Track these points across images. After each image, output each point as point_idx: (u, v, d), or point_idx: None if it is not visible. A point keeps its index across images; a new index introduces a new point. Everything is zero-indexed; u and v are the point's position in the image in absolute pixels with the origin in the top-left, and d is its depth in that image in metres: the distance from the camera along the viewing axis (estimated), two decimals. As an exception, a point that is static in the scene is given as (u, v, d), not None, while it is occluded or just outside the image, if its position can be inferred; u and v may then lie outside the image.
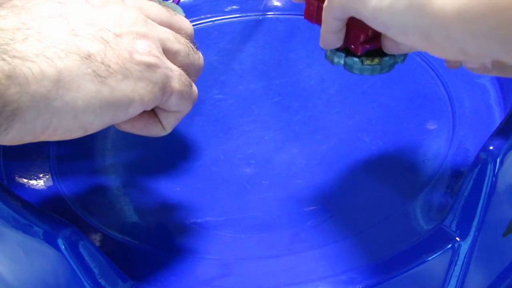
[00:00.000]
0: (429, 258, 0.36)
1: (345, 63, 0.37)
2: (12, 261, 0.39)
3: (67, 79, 0.29)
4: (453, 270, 0.37)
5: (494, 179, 0.36)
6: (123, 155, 0.46)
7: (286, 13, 0.56)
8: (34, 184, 0.44)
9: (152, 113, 0.36)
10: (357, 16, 0.33)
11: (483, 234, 0.37)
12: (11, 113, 0.27)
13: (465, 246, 0.37)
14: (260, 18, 0.56)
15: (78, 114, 0.30)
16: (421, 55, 0.51)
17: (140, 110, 0.33)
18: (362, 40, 0.35)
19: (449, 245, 0.37)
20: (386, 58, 0.37)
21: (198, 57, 0.37)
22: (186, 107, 0.36)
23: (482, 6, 0.26)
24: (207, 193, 0.43)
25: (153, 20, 0.35)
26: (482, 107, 0.47)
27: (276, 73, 0.51)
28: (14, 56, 0.27)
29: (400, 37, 0.31)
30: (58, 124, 0.29)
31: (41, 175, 0.45)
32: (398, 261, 0.37)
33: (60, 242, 0.34)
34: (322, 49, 0.38)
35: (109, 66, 0.30)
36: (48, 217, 0.35)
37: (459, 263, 0.37)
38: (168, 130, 0.37)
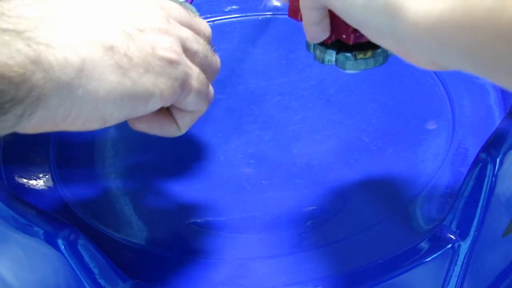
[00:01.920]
0: (429, 258, 0.36)
1: (337, 60, 0.36)
2: (12, 261, 0.39)
3: (89, 68, 0.29)
4: (453, 270, 0.37)
5: (494, 179, 0.36)
6: (122, 156, 0.46)
7: (286, 13, 0.56)
8: (34, 184, 0.44)
9: (168, 113, 0.36)
10: (329, 7, 0.32)
11: (483, 234, 0.37)
12: (36, 98, 0.27)
13: (465, 246, 0.37)
14: (260, 18, 0.56)
15: (99, 104, 0.30)
16: (421, 55, 0.51)
17: (158, 106, 0.33)
18: (353, 27, 0.33)
19: (449, 245, 0.37)
20: (379, 50, 0.35)
21: (216, 59, 0.38)
22: (202, 107, 0.36)
23: (452, 23, 0.25)
24: (207, 193, 0.43)
25: (173, 20, 0.35)
26: (482, 107, 0.47)
27: (276, 73, 0.51)
28: (39, 43, 0.27)
29: (374, 38, 0.30)
30: (79, 112, 0.29)
31: (41, 176, 0.45)
32: (398, 261, 0.37)
33: (60, 242, 0.34)
34: (308, 51, 0.37)
35: (132, 59, 0.31)
36: (48, 217, 0.35)
37: (459, 263, 0.37)
38: (183, 130, 0.37)
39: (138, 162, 0.46)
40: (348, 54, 0.36)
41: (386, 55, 0.36)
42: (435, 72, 0.50)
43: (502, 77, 0.25)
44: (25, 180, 0.44)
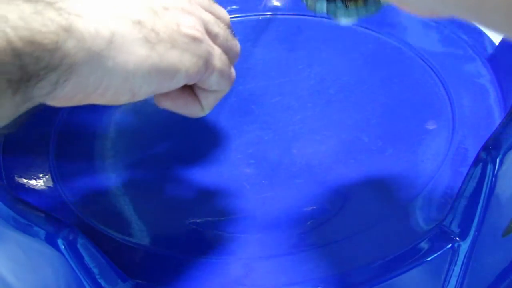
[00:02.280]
0: (429, 258, 0.37)
1: (328, 10, 0.36)
2: (12, 262, 0.39)
3: (119, 41, 0.30)
4: (453, 270, 0.37)
5: (494, 179, 0.36)
6: (122, 155, 0.46)
7: (286, 13, 0.56)
8: (34, 184, 0.44)
9: (192, 93, 0.37)
10: None
11: (483, 234, 0.37)
12: (69, 66, 0.27)
13: (465, 246, 0.37)
14: (260, 18, 0.56)
15: (129, 77, 0.31)
16: (421, 54, 0.51)
17: (183, 83, 0.34)
18: None
19: (449, 245, 0.37)
20: None
21: (236, 43, 0.39)
22: (225, 87, 0.37)
23: None
24: (207, 193, 0.43)
25: (195, 3, 0.36)
26: (482, 107, 0.47)
27: (276, 73, 0.51)
28: (70, 13, 0.28)
29: None
30: (109, 84, 0.30)
31: (41, 175, 0.45)
32: (398, 261, 0.37)
33: (60, 242, 0.34)
34: (301, 2, 0.37)
35: (158, 34, 0.32)
36: (48, 218, 0.35)
37: (459, 263, 0.37)
38: (207, 110, 0.38)
39: (138, 162, 0.45)
40: (339, 3, 0.36)
41: (378, 4, 0.36)
42: (435, 72, 0.50)
43: (498, 22, 0.25)
44: (25, 180, 0.44)
